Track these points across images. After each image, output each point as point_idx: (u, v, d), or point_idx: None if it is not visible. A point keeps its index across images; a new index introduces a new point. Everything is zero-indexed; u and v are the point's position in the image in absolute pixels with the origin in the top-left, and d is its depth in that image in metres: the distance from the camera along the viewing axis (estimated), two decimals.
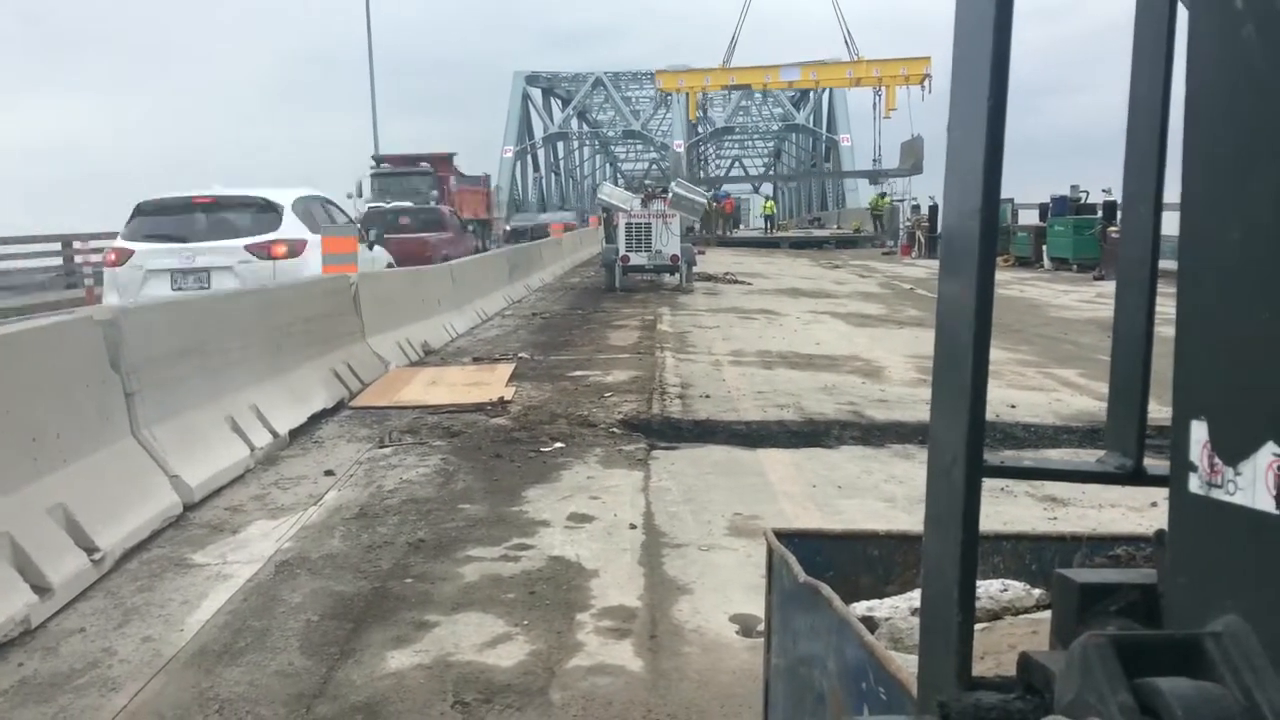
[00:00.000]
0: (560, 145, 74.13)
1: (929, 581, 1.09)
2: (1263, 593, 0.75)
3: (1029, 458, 1.41)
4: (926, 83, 45.59)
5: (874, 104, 49.65)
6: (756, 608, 3.85)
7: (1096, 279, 22.85)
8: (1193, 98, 0.85)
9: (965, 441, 1.01)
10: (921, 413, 7.66)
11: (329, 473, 6.27)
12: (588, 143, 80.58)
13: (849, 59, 50.32)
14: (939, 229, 33.60)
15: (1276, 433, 0.73)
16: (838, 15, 49.54)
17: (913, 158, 38.70)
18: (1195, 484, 0.82)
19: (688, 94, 51.12)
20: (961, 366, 1.03)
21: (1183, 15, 1.25)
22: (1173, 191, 1.17)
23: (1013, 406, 7.92)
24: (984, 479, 1.03)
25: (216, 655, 3.71)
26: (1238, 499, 0.77)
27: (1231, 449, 0.78)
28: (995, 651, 1.47)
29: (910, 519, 4.91)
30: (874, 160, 48.40)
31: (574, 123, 73.01)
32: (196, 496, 5.53)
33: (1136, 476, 1.16)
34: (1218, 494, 0.80)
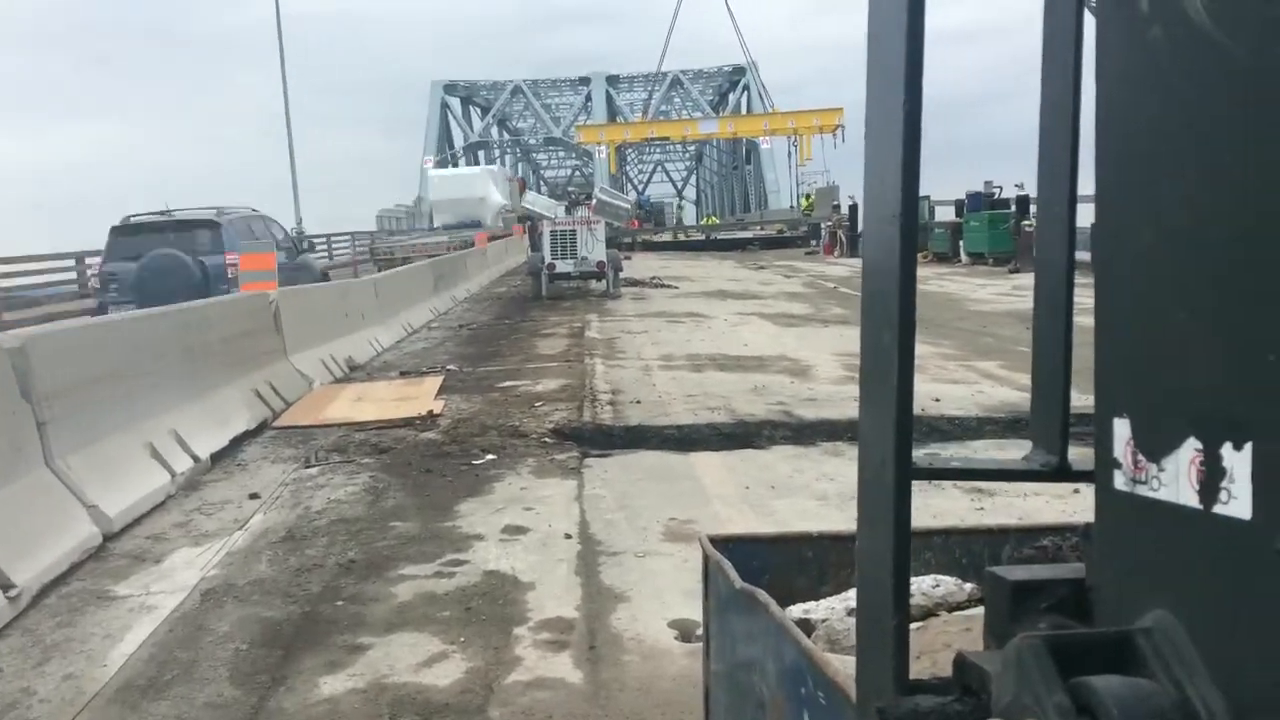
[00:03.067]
0: (481, 154, 73.64)
1: (864, 586, 1.09)
2: (1189, 588, 0.76)
3: (956, 458, 1.43)
4: (839, 132, 46.84)
5: (789, 153, 50.91)
6: (695, 612, 3.84)
7: (1012, 272, 23.38)
8: (1103, 101, 0.87)
9: (894, 445, 1.01)
10: (850, 410, 7.75)
11: (254, 496, 6.13)
12: (509, 151, 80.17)
13: (765, 109, 51.82)
14: (859, 228, 34.16)
15: (1198, 429, 0.74)
16: (744, 49, 51.02)
17: (828, 203, 40.20)
18: (1120, 481, 0.83)
19: (608, 147, 51.47)
20: (887, 371, 1.03)
21: (1089, 21, 1.27)
22: (1086, 185, 1.19)
23: (937, 400, 8.05)
24: (914, 481, 1.04)
25: (142, 690, 3.60)
26: (1162, 495, 0.78)
27: (1154, 446, 0.79)
28: (930, 650, 1.48)
29: (843, 515, 4.96)
30: (791, 206, 49.46)
31: (494, 131, 72.57)
32: (116, 526, 5.36)
33: (1061, 473, 1.17)
34: (1142, 490, 0.80)
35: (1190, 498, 0.75)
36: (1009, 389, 8.76)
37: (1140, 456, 0.81)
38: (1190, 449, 0.75)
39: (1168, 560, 0.79)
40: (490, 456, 6.89)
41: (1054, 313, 1.20)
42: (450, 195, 40.41)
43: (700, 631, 3.41)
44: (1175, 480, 0.77)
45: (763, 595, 1.71)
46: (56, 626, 4.22)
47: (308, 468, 6.79)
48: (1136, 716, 0.71)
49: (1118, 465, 0.83)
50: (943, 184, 29.50)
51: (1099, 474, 0.86)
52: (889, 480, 1.01)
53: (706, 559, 2.16)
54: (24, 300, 20.66)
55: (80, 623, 4.26)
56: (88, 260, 25.48)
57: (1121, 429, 0.82)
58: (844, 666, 1.41)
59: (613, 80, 65.89)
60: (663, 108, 65.74)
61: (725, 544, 2.19)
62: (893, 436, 1.01)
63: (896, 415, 1.01)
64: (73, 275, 24.25)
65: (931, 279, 21.81)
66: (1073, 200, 1.17)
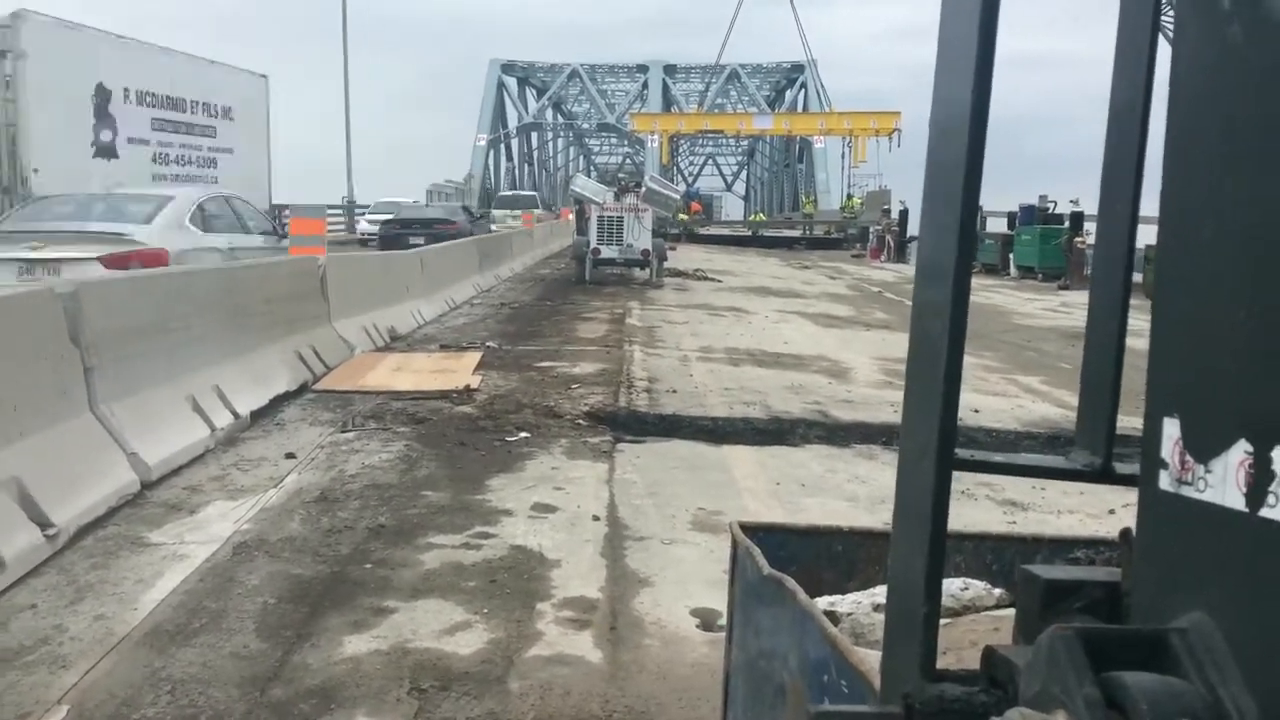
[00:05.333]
0: (534, 135, 73.83)
1: (896, 572, 1.10)
2: (1228, 590, 0.76)
3: (998, 453, 1.43)
4: (895, 136, 46.48)
5: (843, 154, 50.60)
6: (717, 602, 3.86)
7: (1061, 288, 23.10)
8: (1175, 97, 0.86)
9: (937, 434, 1.01)
10: (886, 414, 7.71)
11: (290, 455, 6.21)
12: (562, 134, 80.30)
13: (822, 109, 51.56)
14: (908, 233, 33.89)
15: (1249, 431, 0.74)
16: (804, 45, 50.74)
17: (877, 207, 39.81)
18: (1165, 481, 0.83)
19: (660, 136, 51.41)
20: (936, 360, 1.03)
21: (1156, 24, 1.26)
22: (1147, 200, 1.18)
23: (976, 411, 7.99)
24: (954, 472, 1.04)
25: (170, 635, 3.66)
26: (1207, 496, 0.78)
27: (1203, 446, 0.78)
28: (957, 647, 1.48)
29: (872, 519, 4.93)
30: (840, 208, 49.02)
31: (549, 113, 72.72)
32: (155, 475, 5.46)
33: (1105, 475, 1.17)
34: (1187, 491, 0.80)
35: (1236, 500, 0.74)
36: (1050, 405, 8.67)
37: (1188, 457, 0.80)
38: (1240, 451, 0.74)
39: (1208, 562, 0.78)
40: (524, 434, 6.92)
41: (1109, 314, 1.19)
42: None
43: (723, 621, 3.42)
44: (1222, 482, 0.76)
45: (790, 582, 1.71)
46: (91, 568, 4.31)
47: (344, 432, 6.87)
48: (1167, 715, 0.70)
49: (1164, 465, 0.83)
50: (994, 196, 29.23)
51: (1144, 474, 0.86)
52: (929, 468, 1.01)
53: (735, 544, 2.17)
54: None
55: (114, 566, 4.34)
56: None
57: (1171, 429, 0.82)
58: (868, 658, 1.41)
59: (670, 70, 65.73)
60: (718, 101, 65.55)
61: (755, 531, 2.19)
62: (937, 424, 1.00)
63: (942, 403, 1.01)
64: None
65: (979, 290, 21.48)
66: (1135, 202, 1.16)
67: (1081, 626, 0.80)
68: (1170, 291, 0.84)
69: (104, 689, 3.24)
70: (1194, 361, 0.80)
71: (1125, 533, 1.03)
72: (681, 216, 37.41)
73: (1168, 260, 0.85)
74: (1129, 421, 1.27)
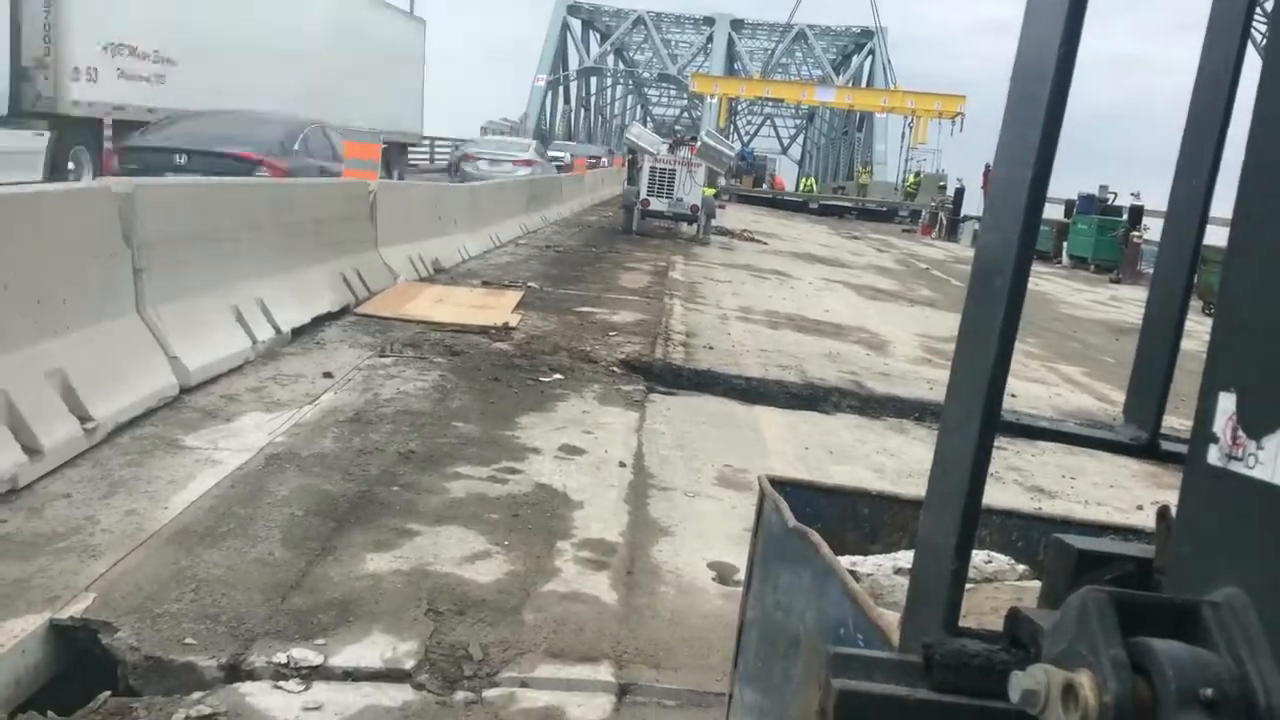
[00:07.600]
0: (594, 80, 73.25)
1: (927, 528, 1.09)
2: (1267, 567, 0.75)
3: (1044, 420, 1.44)
4: (958, 120, 45.65)
5: (902, 134, 49.76)
6: (735, 557, 3.89)
7: (1113, 281, 22.73)
8: (1269, 74, 0.83)
9: (985, 392, 1.00)
10: (922, 390, 7.66)
11: (328, 374, 6.28)
12: (621, 81, 79.60)
13: (885, 79, 50.78)
14: (962, 212, 33.42)
15: None
16: (874, 12, 49.86)
17: (932, 189, 39.25)
18: (1214, 455, 0.82)
19: (719, 99, 50.71)
20: (992, 318, 1.02)
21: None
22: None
23: (1013, 395, 7.91)
24: (997, 434, 1.03)
25: (198, 536, 3.74)
26: (1257, 473, 0.77)
27: (1258, 423, 0.77)
28: (977, 612, 1.48)
29: (897, 490, 4.92)
30: (895, 188, 48.23)
31: (610, 59, 72.02)
32: (194, 380, 5.54)
33: (1151, 450, 1.15)
34: (1236, 467, 0.79)
35: None
36: (1088, 397, 8.58)
37: (1240, 433, 0.79)
38: None
39: (1249, 538, 0.77)
40: (558, 376, 6.96)
41: (1171, 294, 1.17)
42: None
43: (739, 576, 3.44)
44: (1274, 459, 0.75)
45: (814, 535, 1.71)
46: (126, 465, 4.40)
47: (382, 357, 6.93)
48: (1192, 682, 0.70)
49: (1214, 440, 0.82)
50: (1053, 183, 28.70)
51: (1192, 447, 0.85)
52: (974, 427, 1.01)
53: (762, 497, 2.17)
54: None
55: (148, 465, 4.43)
56: None
57: (1226, 403, 0.81)
58: (886, 616, 1.41)
59: (737, 25, 64.74)
60: (782, 60, 64.61)
61: (783, 486, 2.20)
62: (985, 383, 1.00)
63: (994, 363, 1.00)
64: None
65: None
66: (1211, 182, 1.13)
67: (1114, 590, 0.79)
68: (1242, 266, 0.83)
69: (131, 581, 3.33)
70: (1258, 338, 0.79)
71: (1163, 510, 1.02)
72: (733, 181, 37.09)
73: (1242, 235, 0.83)
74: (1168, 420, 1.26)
